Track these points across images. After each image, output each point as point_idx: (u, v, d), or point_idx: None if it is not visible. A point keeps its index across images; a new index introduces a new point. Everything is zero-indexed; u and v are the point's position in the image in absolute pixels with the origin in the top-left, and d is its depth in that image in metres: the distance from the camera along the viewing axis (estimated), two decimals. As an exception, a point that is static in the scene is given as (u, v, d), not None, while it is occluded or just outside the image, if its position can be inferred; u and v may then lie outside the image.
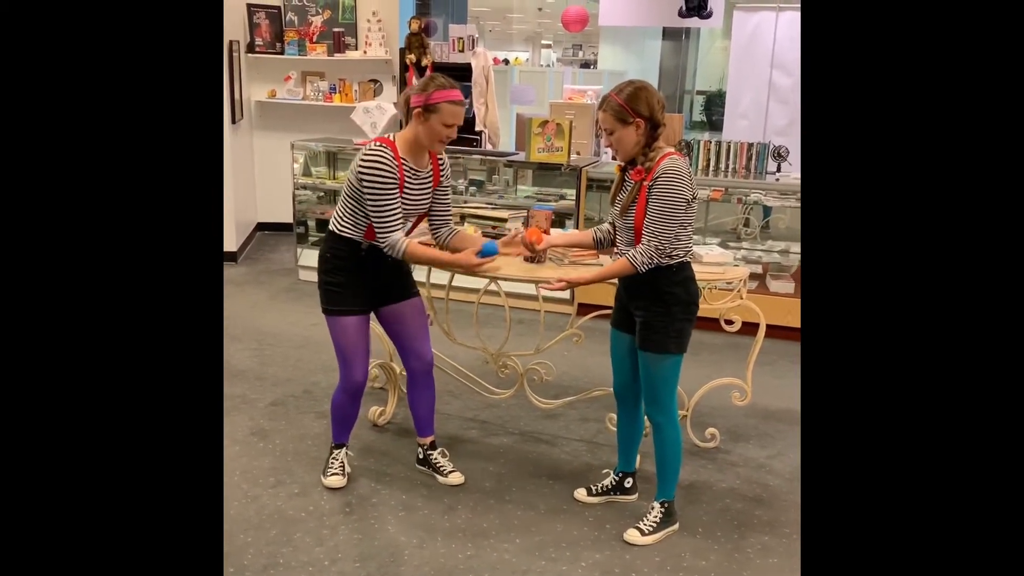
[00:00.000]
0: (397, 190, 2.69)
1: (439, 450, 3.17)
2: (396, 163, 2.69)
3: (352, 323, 2.85)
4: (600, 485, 3.03)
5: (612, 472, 3.04)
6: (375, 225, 2.70)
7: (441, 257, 2.86)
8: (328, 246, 2.84)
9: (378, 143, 2.70)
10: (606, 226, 2.82)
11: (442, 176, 2.90)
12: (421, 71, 6.18)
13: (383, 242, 2.71)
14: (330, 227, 2.83)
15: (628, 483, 3.01)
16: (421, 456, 3.18)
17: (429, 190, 2.86)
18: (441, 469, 3.12)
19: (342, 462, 3.07)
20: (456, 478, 3.10)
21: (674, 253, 2.56)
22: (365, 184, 2.66)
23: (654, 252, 2.52)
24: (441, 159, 2.89)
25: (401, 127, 2.81)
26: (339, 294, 2.83)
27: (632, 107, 2.51)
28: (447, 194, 2.95)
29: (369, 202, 2.67)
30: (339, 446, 3.08)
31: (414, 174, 2.77)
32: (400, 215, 2.71)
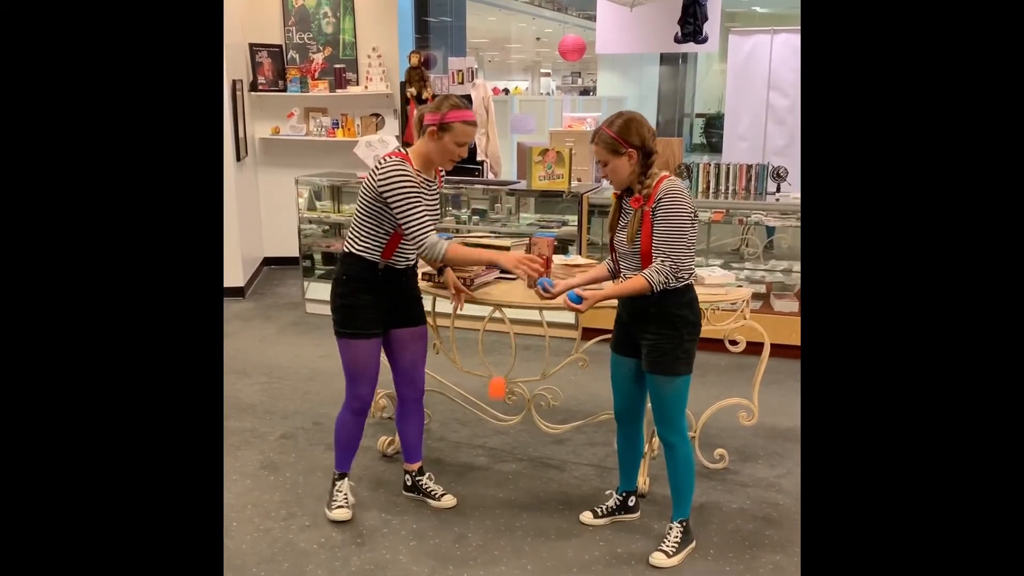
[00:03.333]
0: (422, 195, 2.75)
1: (427, 475, 3.20)
2: (415, 172, 2.76)
3: (365, 346, 2.86)
4: (604, 507, 3.04)
5: (615, 492, 3.06)
6: (409, 232, 2.72)
7: (482, 254, 2.91)
8: (344, 268, 2.85)
9: (394, 156, 2.76)
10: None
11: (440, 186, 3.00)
12: (422, 104, 6.27)
13: (421, 247, 2.73)
14: (345, 248, 2.86)
15: (631, 502, 3.04)
16: (409, 483, 3.20)
17: (438, 204, 2.93)
18: (432, 493, 3.15)
19: (346, 494, 3.05)
20: (449, 500, 3.14)
21: (680, 275, 2.59)
22: (390, 195, 2.69)
23: (669, 271, 2.54)
24: (441, 172, 2.98)
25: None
26: (353, 316, 2.83)
27: (624, 138, 2.57)
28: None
29: (398, 210, 2.70)
30: (342, 476, 3.07)
31: (427, 186, 2.84)
32: (429, 218, 2.76)
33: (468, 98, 6.33)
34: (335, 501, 3.04)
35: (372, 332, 2.86)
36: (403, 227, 2.72)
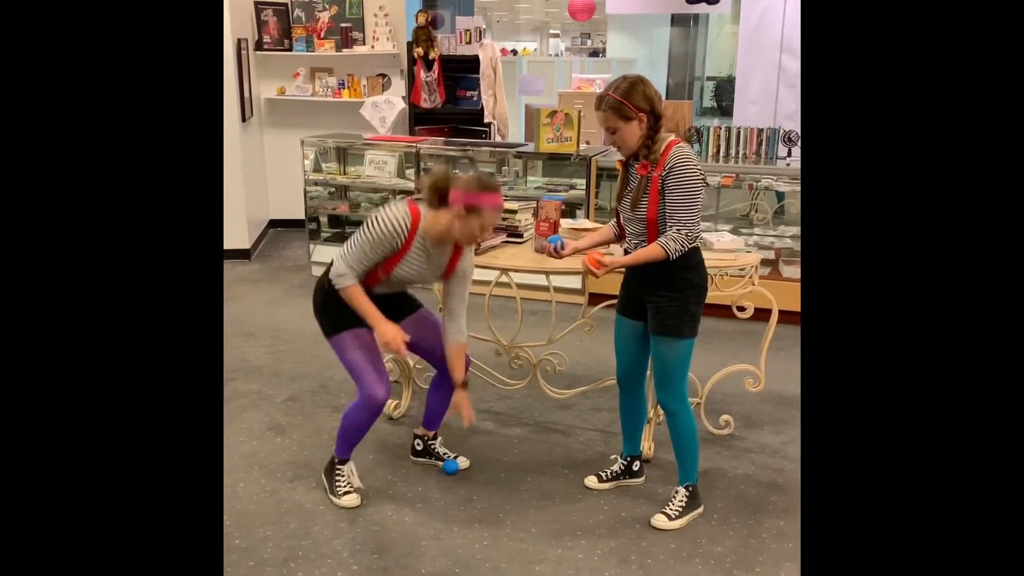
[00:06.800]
0: (383, 251, 2.66)
1: (439, 439, 3.22)
2: (408, 233, 2.65)
3: (357, 335, 2.78)
4: (609, 471, 3.05)
5: (619, 457, 3.07)
6: (343, 256, 2.68)
7: (368, 311, 2.70)
8: (325, 279, 2.78)
9: (406, 208, 2.66)
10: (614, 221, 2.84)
11: (461, 264, 2.82)
12: (429, 64, 6.20)
13: (335, 271, 2.69)
14: (332, 260, 2.77)
15: (636, 466, 3.05)
16: (420, 447, 3.19)
17: (439, 273, 2.82)
18: (446, 457, 3.17)
19: (349, 479, 2.94)
20: (463, 462, 3.16)
21: (690, 241, 2.56)
22: (368, 228, 2.64)
23: (684, 239, 2.52)
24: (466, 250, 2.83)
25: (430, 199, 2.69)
26: (336, 314, 2.76)
27: (632, 102, 2.51)
28: (464, 283, 2.85)
29: (357, 238, 2.66)
30: (343, 462, 2.95)
31: (424, 252, 2.71)
32: (365, 268, 2.68)
33: (476, 59, 6.25)
34: (339, 487, 2.92)
35: (358, 324, 2.76)
36: (345, 252, 2.68)
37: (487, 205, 2.60)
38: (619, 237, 2.84)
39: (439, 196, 2.66)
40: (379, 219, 2.65)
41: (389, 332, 2.69)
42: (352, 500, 2.91)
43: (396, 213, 2.66)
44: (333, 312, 2.79)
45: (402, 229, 2.65)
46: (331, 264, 2.78)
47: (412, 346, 2.96)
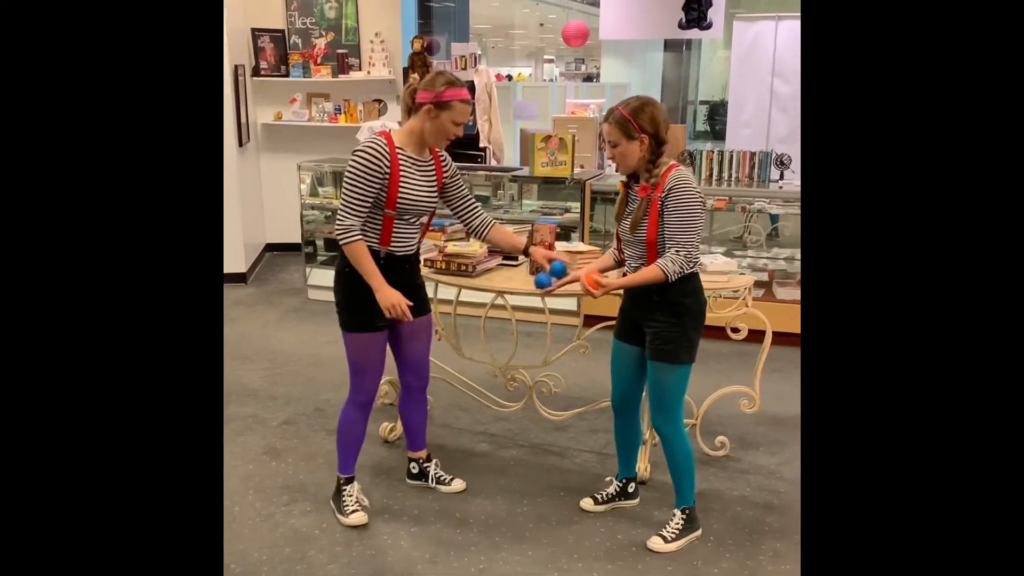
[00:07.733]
0: (375, 181, 2.62)
1: (434, 461, 3.20)
2: (388, 151, 2.64)
3: (374, 340, 2.78)
4: (604, 493, 3.05)
5: (615, 479, 3.07)
6: (340, 207, 2.65)
7: (371, 271, 2.67)
8: (345, 260, 2.72)
9: (374, 135, 2.70)
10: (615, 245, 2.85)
11: (445, 171, 2.85)
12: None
13: (338, 224, 2.64)
14: (344, 255, 2.73)
15: (631, 488, 3.05)
16: (416, 470, 3.18)
17: (434, 186, 2.80)
18: (442, 479, 3.16)
19: (356, 498, 2.95)
20: (459, 484, 3.15)
21: (690, 264, 2.58)
22: (348, 167, 2.62)
23: (683, 261, 2.53)
24: (441, 155, 2.85)
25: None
26: (360, 309, 2.73)
27: (638, 122, 2.54)
28: (461, 186, 2.91)
29: (344, 184, 2.63)
30: (348, 480, 2.96)
31: (414, 163, 2.72)
32: (366, 209, 2.65)
33: (471, 84, 6.30)
34: (347, 506, 2.92)
35: (380, 324, 2.76)
36: (340, 202, 2.66)
37: (452, 98, 2.65)
38: (619, 264, 2.85)
39: (408, 111, 2.74)
40: (355, 154, 2.64)
41: (392, 298, 2.68)
42: (360, 518, 2.90)
43: (367, 142, 2.67)
44: (355, 305, 2.75)
45: (382, 151, 2.64)
46: (341, 238, 2.70)
47: (399, 349, 2.95)
